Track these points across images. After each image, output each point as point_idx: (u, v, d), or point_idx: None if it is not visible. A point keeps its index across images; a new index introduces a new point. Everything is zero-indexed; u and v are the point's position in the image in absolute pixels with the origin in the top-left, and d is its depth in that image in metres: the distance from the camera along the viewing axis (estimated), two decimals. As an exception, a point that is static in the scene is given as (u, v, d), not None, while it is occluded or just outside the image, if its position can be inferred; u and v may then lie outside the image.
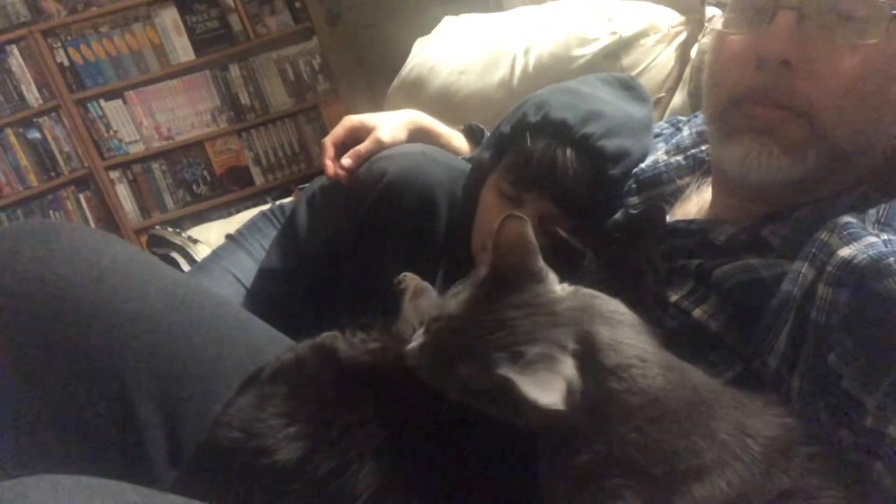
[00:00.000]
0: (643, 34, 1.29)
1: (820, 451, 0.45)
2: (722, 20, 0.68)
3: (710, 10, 0.71)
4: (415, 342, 0.50)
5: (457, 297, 0.50)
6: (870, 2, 0.58)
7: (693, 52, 1.22)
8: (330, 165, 1.00)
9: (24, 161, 3.02)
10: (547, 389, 0.40)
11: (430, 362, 0.49)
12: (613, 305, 0.49)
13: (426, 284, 0.79)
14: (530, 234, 0.48)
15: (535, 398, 0.39)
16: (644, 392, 0.44)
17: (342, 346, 0.57)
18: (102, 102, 3.03)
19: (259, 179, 3.26)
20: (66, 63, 2.97)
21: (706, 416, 0.44)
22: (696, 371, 0.48)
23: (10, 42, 2.91)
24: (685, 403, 0.44)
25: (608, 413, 0.44)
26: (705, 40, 1.17)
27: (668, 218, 0.77)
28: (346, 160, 0.99)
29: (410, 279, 0.81)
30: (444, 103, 1.47)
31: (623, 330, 0.47)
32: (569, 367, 0.43)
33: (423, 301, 0.76)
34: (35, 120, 3.00)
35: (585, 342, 0.45)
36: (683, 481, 0.41)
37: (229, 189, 3.23)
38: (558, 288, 0.49)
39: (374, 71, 2.95)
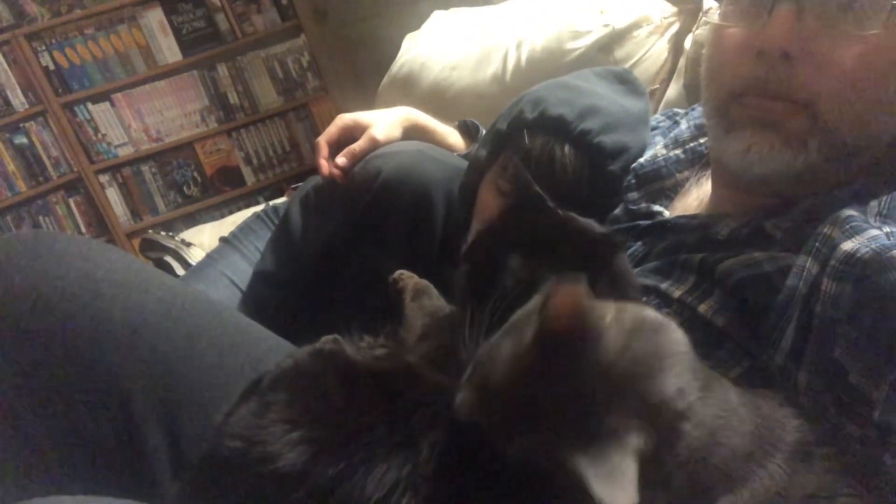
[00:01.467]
0: (636, 26, 1.29)
1: (834, 450, 0.45)
2: (719, 12, 0.67)
3: (707, 2, 0.70)
4: (459, 396, 0.46)
5: (498, 349, 0.45)
6: None
7: (687, 43, 1.21)
8: (325, 165, 1.00)
9: (11, 167, 2.99)
10: (621, 487, 0.37)
11: (486, 424, 0.45)
12: (668, 335, 0.45)
13: (426, 283, 0.78)
14: (586, 298, 0.43)
15: (609, 500, 0.36)
16: (704, 430, 0.42)
17: (348, 350, 0.57)
18: (90, 105, 3.00)
19: (250, 179, 3.24)
20: (52, 67, 2.93)
21: (738, 432, 0.43)
22: (723, 380, 0.47)
23: (-7, 47, 2.88)
24: (726, 429, 0.43)
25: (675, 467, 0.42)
26: (700, 31, 1.17)
27: (669, 213, 0.77)
28: (341, 159, 0.98)
29: (408, 278, 0.80)
30: (437, 99, 1.46)
31: (680, 364, 0.44)
32: (638, 440, 0.40)
33: (427, 301, 0.75)
34: (21, 125, 2.97)
35: (653, 405, 0.41)
36: (713, 500, 0.41)
37: (221, 189, 3.21)
38: (608, 318, 0.44)
39: (363, 67, 2.93)
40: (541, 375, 0.42)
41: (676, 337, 0.46)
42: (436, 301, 0.76)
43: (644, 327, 0.45)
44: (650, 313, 0.47)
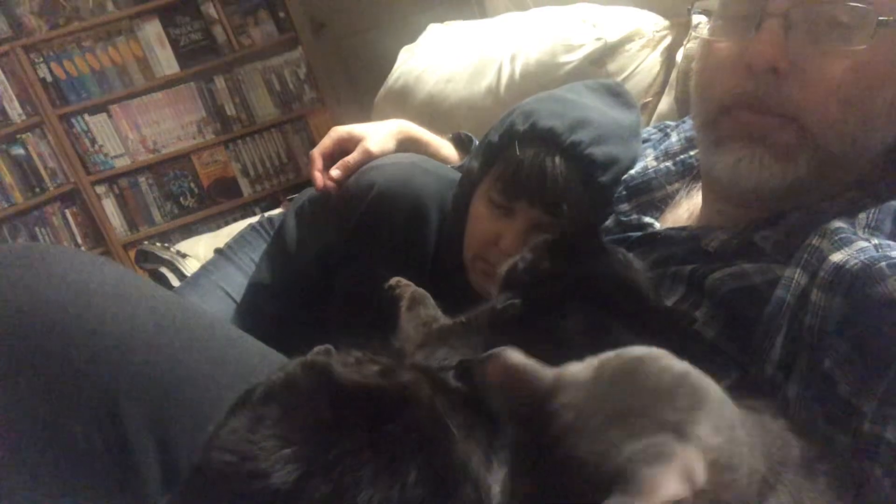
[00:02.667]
0: (628, 39, 1.30)
1: (832, 466, 0.45)
2: (708, 27, 0.68)
3: (696, 18, 0.71)
4: None
5: None
6: (856, 9, 0.58)
7: (678, 57, 1.22)
8: (319, 177, 1.00)
9: (8, 178, 2.99)
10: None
11: None
12: (651, 370, 0.41)
13: (423, 292, 0.78)
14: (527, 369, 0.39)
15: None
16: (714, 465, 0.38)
17: (338, 365, 0.56)
18: (87, 117, 3.01)
19: (247, 190, 3.24)
20: (49, 78, 2.94)
21: (747, 458, 0.41)
22: (727, 400, 0.46)
23: (-9, 58, 2.89)
24: (736, 456, 0.40)
25: None
26: (691, 45, 1.18)
27: (659, 224, 0.77)
28: (336, 171, 0.98)
29: (405, 285, 0.79)
30: (432, 112, 1.47)
31: (674, 395, 0.39)
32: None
33: (423, 311, 0.74)
34: (18, 136, 2.98)
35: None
36: None
37: (217, 201, 3.21)
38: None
39: (359, 79, 2.95)
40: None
41: (660, 367, 0.41)
42: (431, 311, 0.75)
43: (624, 370, 0.40)
44: (630, 354, 0.42)
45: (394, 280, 0.80)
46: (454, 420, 0.52)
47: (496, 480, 0.48)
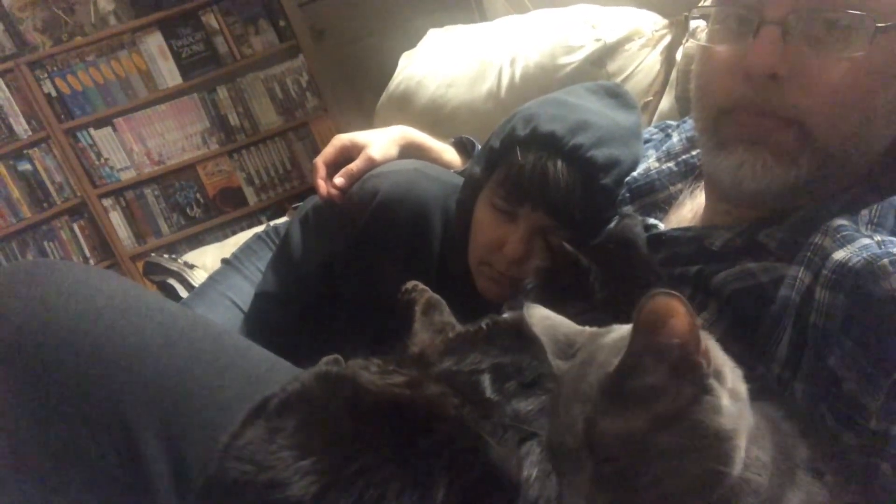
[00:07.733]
0: (627, 39, 1.30)
1: (839, 465, 0.45)
2: (706, 31, 0.68)
3: (694, 22, 0.71)
4: None
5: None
6: (854, 16, 0.57)
7: (678, 55, 1.22)
8: (322, 185, 1.01)
9: (15, 193, 3.01)
10: None
11: None
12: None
13: (439, 298, 0.78)
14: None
15: None
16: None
17: (362, 375, 0.56)
18: (92, 131, 3.03)
19: (252, 199, 3.25)
20: (54, 93, 2.96)
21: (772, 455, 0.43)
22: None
23: (-4, 75, 2.91)
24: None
25: None
26: (691, 44, 1.18)
27: (663, 225, 0.77)
28: (339, 179, 0.99)
29: (421, 290, 0.79)
30: (434, 117, 1.47)
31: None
32: None
33: (437, 317, 0.74)
34: (25, 151, 3.00)
35: None
36: None
37: (223, 210, 3.22)
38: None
39: (361, 85, 2.95)
40: None
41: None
42: (446, 317, 0.75)
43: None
44: None
45: (410, 284, 0.80)
46: (485, 427, 0.51)
47: (529, 479, 0.48)
